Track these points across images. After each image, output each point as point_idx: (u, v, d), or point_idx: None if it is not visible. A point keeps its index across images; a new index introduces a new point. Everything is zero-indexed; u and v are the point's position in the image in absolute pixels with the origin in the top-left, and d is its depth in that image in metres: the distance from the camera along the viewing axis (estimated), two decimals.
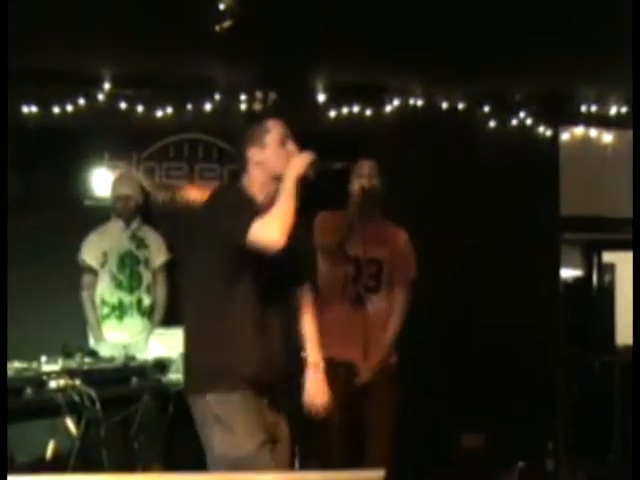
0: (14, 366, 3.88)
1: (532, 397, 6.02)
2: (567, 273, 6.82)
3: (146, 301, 5.49)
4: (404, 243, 4.36)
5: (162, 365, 4.46)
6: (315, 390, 3.28)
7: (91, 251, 5.48)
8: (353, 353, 4.16)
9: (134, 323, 5.45)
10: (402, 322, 4.30)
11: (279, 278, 3.15)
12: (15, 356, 3.93)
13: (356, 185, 4.24)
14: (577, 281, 6.94)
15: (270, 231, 2.94)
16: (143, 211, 5.68)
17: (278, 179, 3.09)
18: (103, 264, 5.46)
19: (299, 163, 3.06)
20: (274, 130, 3.20)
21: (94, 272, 5.48)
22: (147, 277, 5.53)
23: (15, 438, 3.77)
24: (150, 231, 5.63)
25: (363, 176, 4.25)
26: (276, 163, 3.14)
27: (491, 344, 5.99)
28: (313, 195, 3.12)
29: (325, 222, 4.30)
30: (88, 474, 2.07)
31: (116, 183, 5.65)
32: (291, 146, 3.19)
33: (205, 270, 3.13)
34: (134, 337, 5.41)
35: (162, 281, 5.59)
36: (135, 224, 5.56)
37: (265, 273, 3.08)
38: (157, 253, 5.56)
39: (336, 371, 3.94)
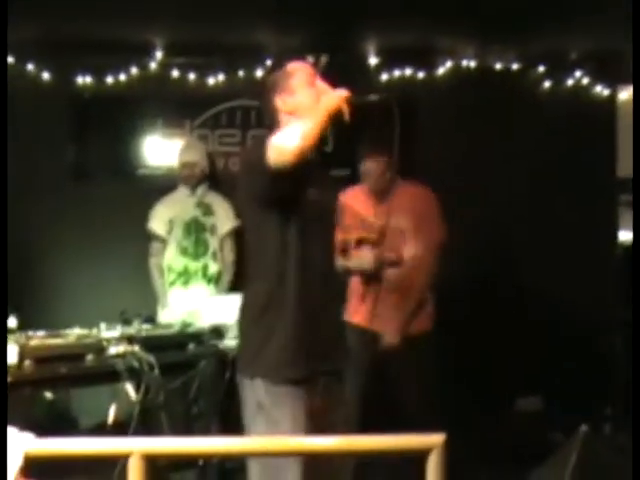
0: (75, 332, 3.96)
1: (589, 361, 5.97)
2: (625, 236, 6.71)
3: (212, 268, 5.52)
4: (428, 207, 4.30)
5: (218, 331, 4.51)
6: None
7: (158, 219, 5.54)
8: (379, 323, 4.23)
9: (200, 290, 5.48)
10: (427, 288, 4.33)
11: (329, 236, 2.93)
12: (75, 323, 4.01)
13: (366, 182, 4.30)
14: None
15: (289, 139, 2.61)
16: (210, 178, 5.70)
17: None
18: (169, 231, 5.51)
19: (332, 98, 2.77)
20: (298, 72, 2.93)
21: (162, 240, 5.54)
22: (213, 244, 5.55)
23: (78, 403, 3.86)
24: (217, 198, 5.63)
25: (371, 177, 4.27)
26: (308, 106, 2.82)
27: (548, 308, 5.94)
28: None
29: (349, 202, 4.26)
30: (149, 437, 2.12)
31: (182, 150, 5.67)
32: (321, 85, 2.92)
33: (254, 232, 2.88)
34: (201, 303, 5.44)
35: (229, 248, 5.60)
36: (201, 191, 5.58)
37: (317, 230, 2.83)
38: (224, 220, 5.56)
39: (364, 338, 4.15)
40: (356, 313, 4.28)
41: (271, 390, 2.75)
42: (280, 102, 2.91)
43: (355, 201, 4.32)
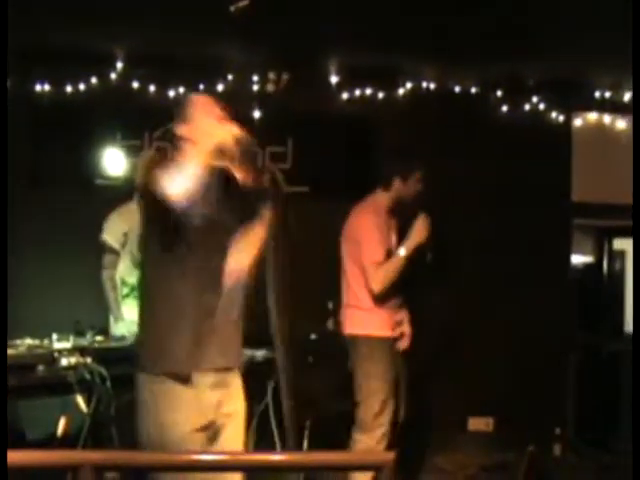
0: (26, 343, 3.92)
1: (541, 382, 6.03)
2: (578, 259, 6.81)
3: None
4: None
5: None
6: None
7: (112, 231, 5.48)
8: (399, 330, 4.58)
9: None
10: None
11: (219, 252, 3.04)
12: (27, 333, 3.96)
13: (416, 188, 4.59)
14: (588, 267, 6.93)
15: (172, 188, 2.80)
16: None
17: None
18: (124, 244, 5.46)
19: (222, 132, 2.95)
20: (199, 103, 3.12)
21: (115, 252, 5.48)
22: None
23: (27, 415, 3.80)
24: None
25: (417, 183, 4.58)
26: (204, 136, 2.97)
27: (501, 329, 6.00)
28: None
29: (377, 221, 4.52)
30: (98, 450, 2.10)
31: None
32: (221, 119, 3.06)
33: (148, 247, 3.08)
34: None
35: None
36: None
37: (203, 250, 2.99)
38: None
39: (388, 345, 4.50)
40: (384, 327, 4.53)
41: (153, 383, 2.94)
42: (180, 129, 3.09)
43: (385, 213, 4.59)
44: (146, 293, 3.11)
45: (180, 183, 2.81)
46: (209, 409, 2.98)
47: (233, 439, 3.05)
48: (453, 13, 4.80)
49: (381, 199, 4.56)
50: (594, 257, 6.98)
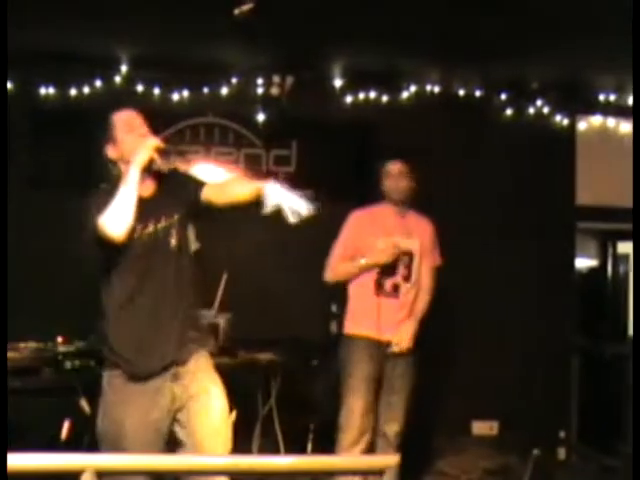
0: (31, 346, 3.92)
1: (545, 386, 6.02)
2: (582, 263, 6.79)
3: None
4: (430, 235, 4.67)
5: None
6: None
7: None
8: (388, 335, 4.46)
9: None
10: (427, 307, 4.66)
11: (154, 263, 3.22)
12: (32, 336, 3.96)
13: (389, 185, 4.56)
14: (592, 271, 6.91)
15: (109, 224, 3.03)
16: None
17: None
18: None
19: (142, 149, 3.13)
20: (119, 122, 3.27)
21: None
22: None
23: (31, 418, 3.80)
24: None
25: (394, 176, 4.54)
26: (130, 152, 3.16)
27: (505, 333, 5.99)
28: None
29: (360, 221, 4.58)
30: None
31: None
32: (143, 130, 3.25)
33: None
34: None
35: None
36: None
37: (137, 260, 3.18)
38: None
39: (374, 349, 4.43)
40: (363, 325, 4.49)
41: (108, 378, 3.18)
42: (109, 151, 3.27)
43: (384, 219, 4.57)
44: (103, 299, 3.30)
45: (118, 211, 3.03)
46: (167, 400, 3.14)
47: (199, 414, 3.18)
48: (457, 16, 4.79)
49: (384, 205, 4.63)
50: (598, 261, 6.96)
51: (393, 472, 2.02)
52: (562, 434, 6.07)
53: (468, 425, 6.05)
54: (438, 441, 5.72)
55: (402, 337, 4.45)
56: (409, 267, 4.57)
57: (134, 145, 3.17)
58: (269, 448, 5.06)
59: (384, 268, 4.48)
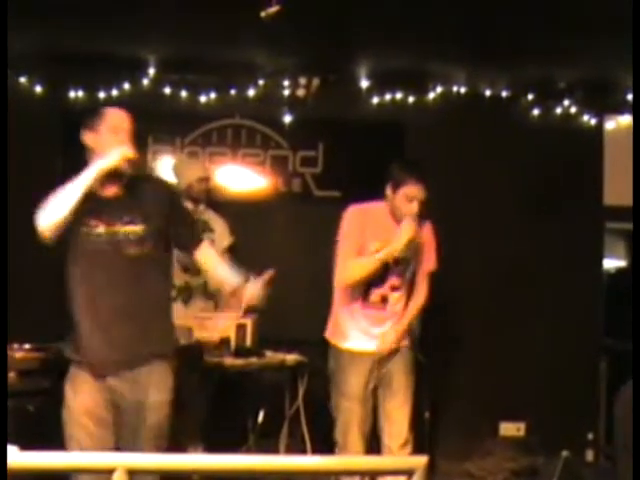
0: (58, 347, 3.94)
1: (572, 388, 5.98)
2: (610, 263, 6.74)
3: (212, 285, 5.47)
4: (428, 237, 4.32)
5: (203, 348, 4.54)
6: None
7: None
8: (373, 344, 4.23)
9: (199, 305, 5.42)
10: (419, 312, 4.37)
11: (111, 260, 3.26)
12: (59, 338, 3.99)
13: (406, 207, 4.11)
14: (620, 271, 6.86)
15: (41, 216, 3.14)
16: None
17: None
18: None
19: (113, 154, 3.18)
20: (108, 117, 3.28)
21: None
22: None
23: (60, 416, 3.81)
24: (213, 214, 5.55)
25: (414, 199, 4.11)
26: (106, 150, 3.21)
27: (533, 333, 5.96)
28: None
29: (359, 216, 4.24)
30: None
31: (195, 166, 5.62)
32: (124, 137, 3.27)
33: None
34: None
35: (227, 264, 5.54)
36: (201, 207, 5.48)
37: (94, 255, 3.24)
38: (222, 236, 5.50)
39: (360, 361, 4.20)
40: (346, 337, 4.26)
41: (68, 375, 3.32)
42: (86, 136, 3.31)
43: (384, 219, 4.21)
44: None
45: (52, 205, 3.15)
46: (104, 395, 3.26)
47: (133, 431, 3.25)
48: (483, 17, 4.77)
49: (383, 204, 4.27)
50: (626, 261, 6.90)
51: (422, 472, 2.01)
52: (590, 436, 6.03)
53: (495, 426, 6.03)
54: (465, 442, 5.70)
55: (384, 339, 4.20)
56: (401, 276, 4.26)
57: (109, 146, 3.21)
58: (296, 448, 5.07)
59: (372, 279, 4.17)
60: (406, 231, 4.05)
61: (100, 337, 3.24)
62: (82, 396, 3.27)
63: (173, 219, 3.39)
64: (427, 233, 4.33)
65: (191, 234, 3.53)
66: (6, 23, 3.10)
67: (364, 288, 4.21)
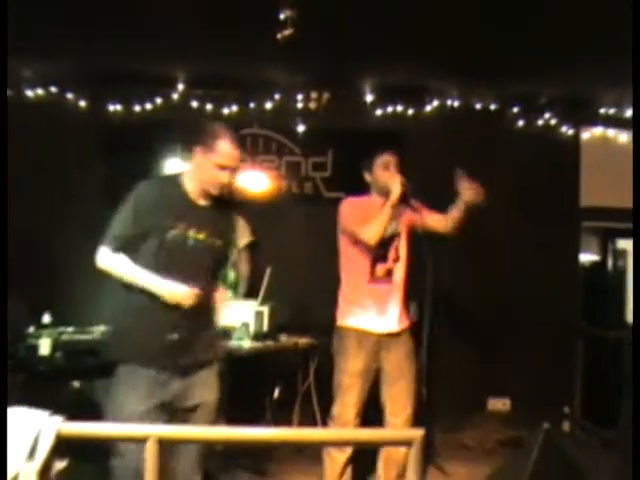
0: (100, 329, 3.95)
1: (552, 366, 5.97)
2: (585, 257, 6.72)
3: (231, 277, 5.47)
4: (417, 206, 4.14)
5: (226, 332, 4.53)
6: None
7: None
8: (380, 323, 4.07)
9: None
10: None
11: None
12: (101, 321, 3.99)
13: (389, 176, 4.03)
14: (594, 265, 6.84)
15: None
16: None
17: (208, 183, 3.15)
18: None
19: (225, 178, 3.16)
20: (224, 137, 3.22)
21: None
22: (233, 255, 5.50)
23: (102, 392, 3.82)
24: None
25: (389, 165, 4.07)
26: (212, 171, 3.14)
27: (517, 318, 5.95)
28: None
29: (354, 205, 4.13)
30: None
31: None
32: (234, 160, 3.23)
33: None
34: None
35: (245, 260, 5.56)
36: None
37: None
38: (242, 235, 5.51)
39: (366, 341, 4.03)
40: (354, 317, 4.08)
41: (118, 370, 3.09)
42: (197, 151, 3.25)
43: (373, 208, 4.05)
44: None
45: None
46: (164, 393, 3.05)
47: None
48: (474, 39, 4.76)
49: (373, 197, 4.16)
50: (600, 256, 6.88)
51: (419, 444, 2.01)
52: (566, 410, 6.02)
53: (484, 402, 6.02)
54: (456, 416, 5.70)
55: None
56: (397, 248, 4.12)
57: (217, 168, 3.18)
58: (308, 421, 5.08)
59: (375, 254, 4.02)
60: (395, 178, 3.98)
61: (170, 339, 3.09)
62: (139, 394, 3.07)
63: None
64: (416, 215, 4.15)
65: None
66: (6, 24, 3.03)
67: (370, 264, 4.04)
